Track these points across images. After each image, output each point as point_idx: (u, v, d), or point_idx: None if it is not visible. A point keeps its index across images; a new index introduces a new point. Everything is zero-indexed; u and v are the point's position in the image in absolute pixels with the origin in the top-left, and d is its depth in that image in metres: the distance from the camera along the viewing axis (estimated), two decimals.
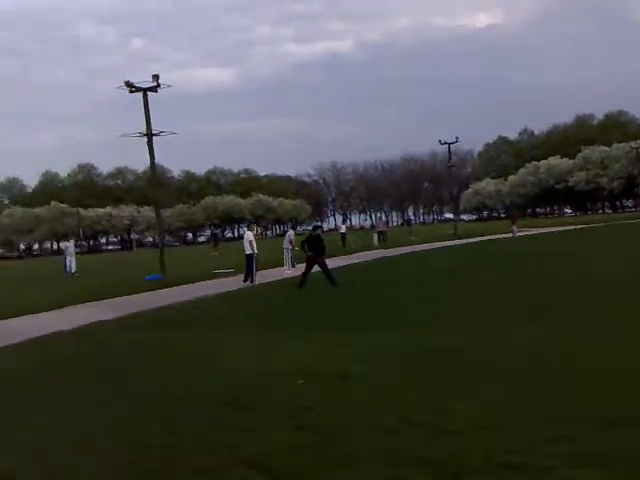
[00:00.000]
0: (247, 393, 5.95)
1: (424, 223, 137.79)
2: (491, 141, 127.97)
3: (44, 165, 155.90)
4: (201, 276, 22.02)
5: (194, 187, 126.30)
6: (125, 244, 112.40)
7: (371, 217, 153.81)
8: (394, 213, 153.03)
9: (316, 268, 15.80)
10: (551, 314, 9.20)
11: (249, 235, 19.54)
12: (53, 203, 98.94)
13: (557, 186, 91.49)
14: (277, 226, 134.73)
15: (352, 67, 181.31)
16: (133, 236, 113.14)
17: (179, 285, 19.54)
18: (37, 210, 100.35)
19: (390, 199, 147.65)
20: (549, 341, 7.38)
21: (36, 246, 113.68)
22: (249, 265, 18.83)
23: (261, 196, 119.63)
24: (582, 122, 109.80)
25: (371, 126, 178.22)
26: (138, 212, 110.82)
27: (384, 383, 5.98)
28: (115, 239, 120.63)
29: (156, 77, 21.14)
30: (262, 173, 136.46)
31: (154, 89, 21.65)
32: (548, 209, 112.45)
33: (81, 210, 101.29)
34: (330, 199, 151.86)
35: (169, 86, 21.83)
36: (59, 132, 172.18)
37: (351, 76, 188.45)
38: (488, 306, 10.45)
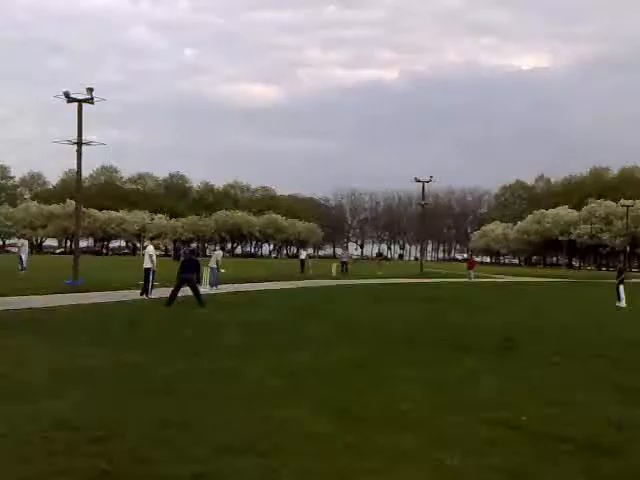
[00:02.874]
0: None
1: (440, 260, 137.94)
2: (508, 184, 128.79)
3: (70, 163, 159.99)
4: (121, 285, 23.53)
5: (211, 199, 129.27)
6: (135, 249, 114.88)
7: (389, 248, 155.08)
8: (412, 247, 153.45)
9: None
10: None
11: (150, 249, 20.81)
12: (68, 201, 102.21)
13: (560, 237, 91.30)
14: (288, 247, 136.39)
15: (394, 96, 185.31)
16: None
17: (86, 292, 20.94)
18: (52, 207, 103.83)
19: (409, 232, 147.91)
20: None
21: (51, 242, 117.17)
22: (146, 279, 20.13)
23: (273, 215, 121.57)
24: (597, 174, 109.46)
25: (403, 157, 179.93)
26: (152, 219, 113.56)
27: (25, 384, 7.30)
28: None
29: (90, 90, 22.86)
30: (285, 192, 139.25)
31: (89, 101, 23.31)
32: (555, 259, 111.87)
33: (96, 212, 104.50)
34: (347, 226, 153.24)
35: (103, 99, 23.47)
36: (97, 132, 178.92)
37: (391, 105, 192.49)
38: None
